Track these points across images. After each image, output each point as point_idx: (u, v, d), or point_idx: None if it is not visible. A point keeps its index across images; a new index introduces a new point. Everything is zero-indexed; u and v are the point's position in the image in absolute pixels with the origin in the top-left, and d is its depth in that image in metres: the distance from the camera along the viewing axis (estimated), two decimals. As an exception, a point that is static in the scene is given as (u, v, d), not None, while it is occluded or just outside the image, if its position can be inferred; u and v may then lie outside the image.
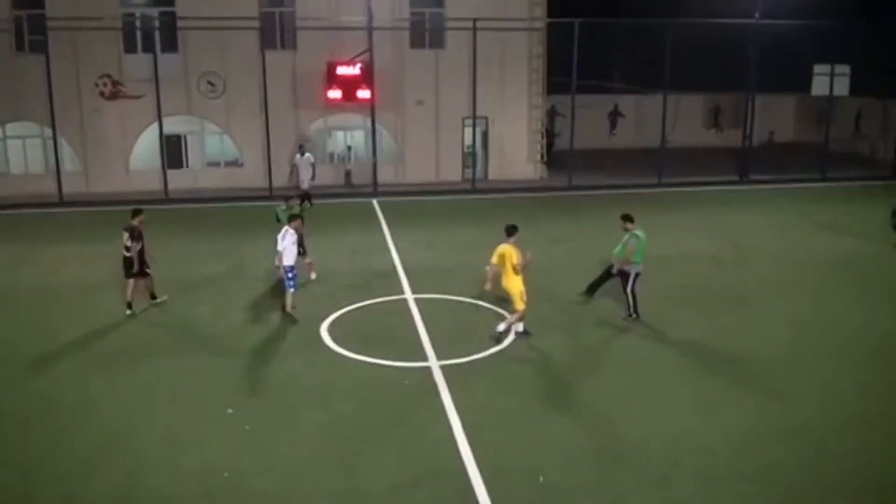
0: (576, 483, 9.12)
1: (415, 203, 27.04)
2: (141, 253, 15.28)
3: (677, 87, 30.95)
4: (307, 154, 25.04)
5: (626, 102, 40.13)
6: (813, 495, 8.88)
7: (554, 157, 32.06)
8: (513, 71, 29.99)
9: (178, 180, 28.42)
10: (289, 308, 14.77)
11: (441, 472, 9.35)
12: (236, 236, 21.62)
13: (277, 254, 14.49)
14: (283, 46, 29.14)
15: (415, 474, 9.30)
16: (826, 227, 22.71)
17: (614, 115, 40.69)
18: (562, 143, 33.52)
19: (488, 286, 13.58)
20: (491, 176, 30.62)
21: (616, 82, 40.39)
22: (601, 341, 13.73)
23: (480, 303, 15.56)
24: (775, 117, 40.02)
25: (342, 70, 27.59)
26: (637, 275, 14.38)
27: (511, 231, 13.39)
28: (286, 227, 14.68)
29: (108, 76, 28.37)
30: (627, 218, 14.51)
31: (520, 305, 13.31)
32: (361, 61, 27.76)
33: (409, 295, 16.32)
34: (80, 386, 12.00)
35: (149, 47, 28.07)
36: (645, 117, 36.78)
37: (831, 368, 12.51)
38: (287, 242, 14.45)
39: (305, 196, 24.17)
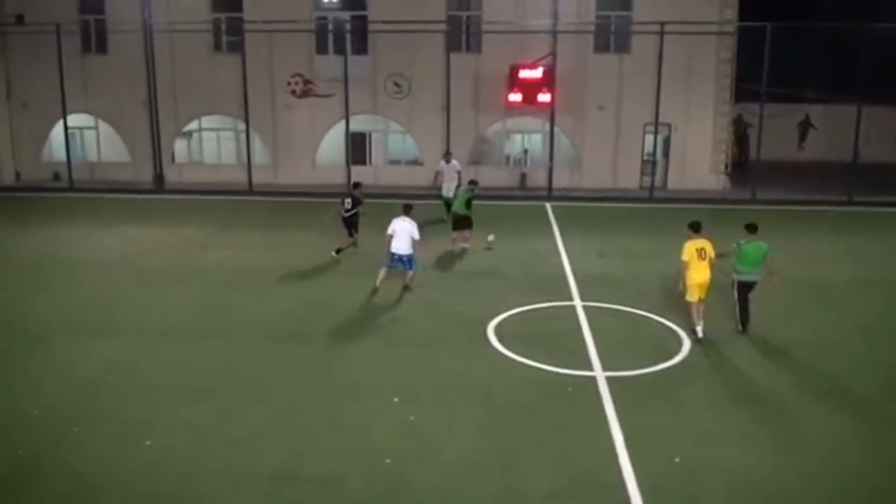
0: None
1: (589, 209, 26.76)
2: (355, 216, 18.95)
3: (872, 97, 28.85)
4: (453, 161, 24.44)
5: (816, 112, 37.91)
6: None
7: (738, 169, 30.77)
8: (699, 77, 29.03)
9: (361, 176, 29.42)
10: (408, 281, 16.50)
11: (598, 484, 9.17)
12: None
13: (415, 241, 16.14)
14: (467, 49, 29.68)
15: (572, 482, 9.18)
16: None
17: (805, 126, 38.63)
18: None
19: (681, 287, 13.72)
20: (670, 185, 29.82)
21: (807, 91, 38.20)
22: (781, 366, 12.92)
23: (651, 315, 15.16)
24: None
25: (524, 73, 27.71)
26: (741, 283, 13.97)
27: (698, 227, 13.90)
28: (407, 218, 16.16)
29: (300, 75, 29.92)
30: (748, 228, 14.13)
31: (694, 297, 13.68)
32: (544, 64, 27.76)
33: (577, 302, 16.15)
34: (254, 361, 12.72)
35: (340, 49, 29.34)
36: (836, 129, 34.60)
37: None
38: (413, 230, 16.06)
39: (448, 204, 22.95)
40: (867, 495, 9.02)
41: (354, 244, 19.08)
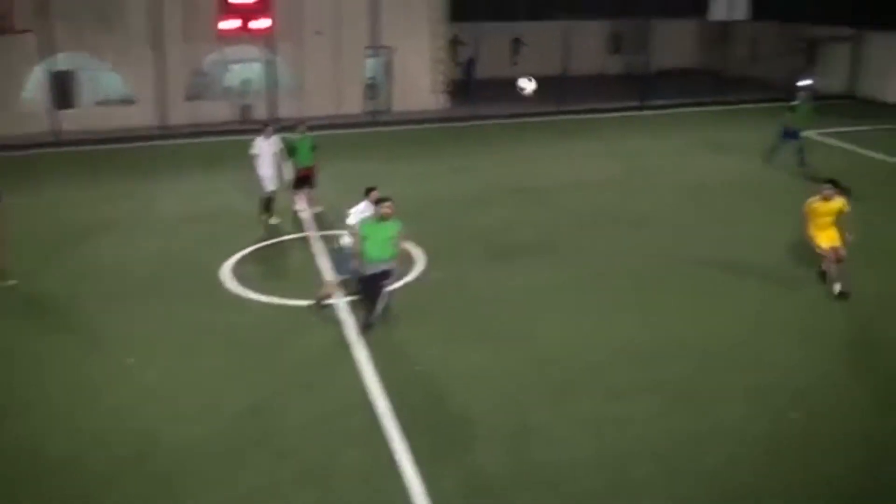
0: (483, 407, 9.29)
1: (316, 137, 26.38)
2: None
3: (576, 13, 30.82)
4: (273, 137, 16.45)
5: (530, 30, 39.67)
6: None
7: (457, 88, 31.70)
8: (415, -1, 29.29)
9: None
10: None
11: (350, 406, 9.41)
12: (132, 178, 20.82)
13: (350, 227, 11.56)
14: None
15: (324, 411, 9.31)
16: (723, 148, 23.19)
17: (517, 44, 40.32)
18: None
19: None
20: (394, 108, 30.13)
21: (519, 10, 39.75)
22: (507, 268, 13.85)
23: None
24: (676, 43, 39.66)
25: (235, -2, 26.49)
26: None
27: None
28: (366, 201, 11.64)
29: None
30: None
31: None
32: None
33: (311, 232, 16.08)
34: None
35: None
36: (547, 45, 36.51)
37: (735, 276, 13.28)
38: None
39: (267, 203, 16.64)
40: (591, 370, 9.96)
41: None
